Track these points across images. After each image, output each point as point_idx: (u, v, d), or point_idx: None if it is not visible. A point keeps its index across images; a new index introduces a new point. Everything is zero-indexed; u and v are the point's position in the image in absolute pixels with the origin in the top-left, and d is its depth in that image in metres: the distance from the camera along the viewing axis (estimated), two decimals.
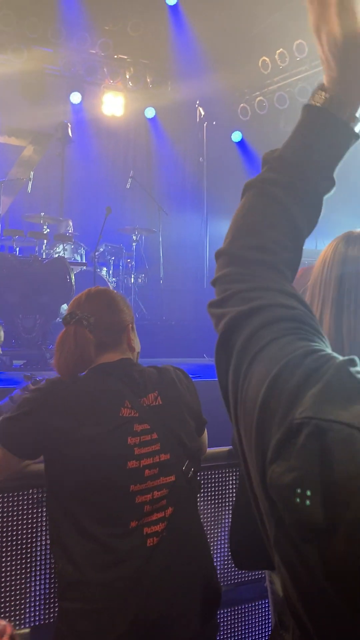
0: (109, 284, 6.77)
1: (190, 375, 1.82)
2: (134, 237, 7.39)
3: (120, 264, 7.35)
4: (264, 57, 7.95)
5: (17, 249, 6.03)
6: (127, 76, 8.62)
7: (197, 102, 7.27)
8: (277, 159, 0.78)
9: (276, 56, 7.80)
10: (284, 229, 0.76)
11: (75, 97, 8.50)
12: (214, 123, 8.09)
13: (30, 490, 1.80)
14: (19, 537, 1.77)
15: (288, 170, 0.77)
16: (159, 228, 7.66)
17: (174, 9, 7.95)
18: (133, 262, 7.38)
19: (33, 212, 6.79)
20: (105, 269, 7.05)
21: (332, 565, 0.56)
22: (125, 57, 8.51)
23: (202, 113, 7.24)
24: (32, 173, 6.79)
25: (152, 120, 9.01)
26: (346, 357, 0.62)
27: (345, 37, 0.71)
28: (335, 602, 0.56)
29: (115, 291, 1.88)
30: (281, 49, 7.70)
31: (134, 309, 6.78)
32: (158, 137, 9.03)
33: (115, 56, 8.41)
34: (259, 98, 8.30)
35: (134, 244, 7.38)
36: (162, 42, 8.11)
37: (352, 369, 0.61)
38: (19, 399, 1.67)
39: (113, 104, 8.65)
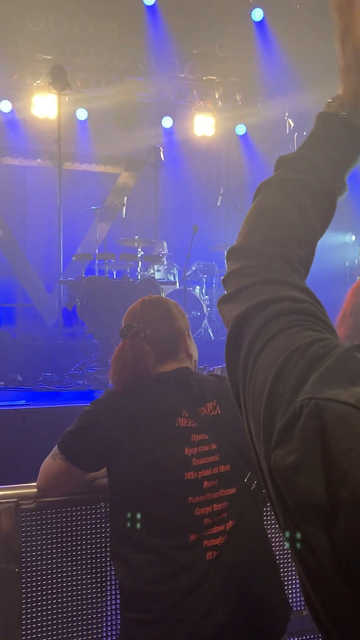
0: (201, 302, 6.82)
1: None
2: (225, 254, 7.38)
3: (213, 281, 7.38)
4: None
5: (114, 272, 6.26)
6: (217, 96, 8.74)
7: (286, 114, 7.21)
8: (293, 160, 0.81)
9: None
10: (300, 226, 0.78)
11: (167, 122, 8.73)
12: (305, 133, 7.95)
13: (99, 505, 1.83)
14: (86, 550, 1.81)
15: (304, 171, 0.79)
16: None
17: (261, 25, 7.96)
18: None
19: (128, 236, 7.03)
20: (198, 287, 7.11)
21: (338, 550, 0.54)
22: (214, 77, 8.63)
23: (292, 124, 7.16)
24: (125, 198, 7.05)
25: (243, 136, 9.04)
26: (354, 344, 0.63)
27: None
28: (345, 593, 0.55)
29: (169, 299, 1.88)
30: None
31: None
32: (249, 152, 9.03)
33: (204, 78, 8.56)
34: None
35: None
36: (250, 59, 8.14)
37: (358, 353, 0.61)
38: None
39: (204, 125, 8.79)
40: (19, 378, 5.39)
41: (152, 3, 7.57)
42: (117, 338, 5.44)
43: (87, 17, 7.52)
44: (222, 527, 1.51)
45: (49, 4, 7.31)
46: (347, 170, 0.80)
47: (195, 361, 1.78)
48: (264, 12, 7.86)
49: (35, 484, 1.73)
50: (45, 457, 1.67)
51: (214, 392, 1.64)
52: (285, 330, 0.67)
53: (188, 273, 6.49)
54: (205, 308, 6.79)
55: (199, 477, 1.52)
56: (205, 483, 1.52)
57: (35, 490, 1.72)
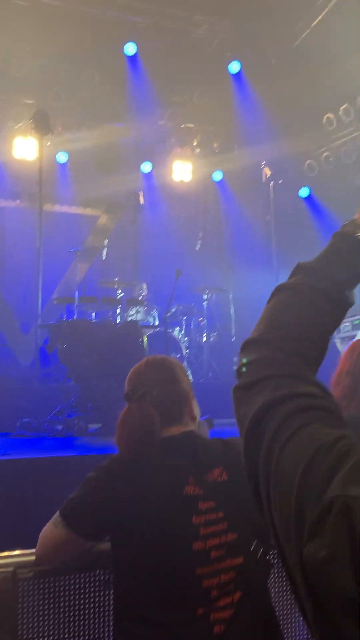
0: (181, 343, 6.84)
1: None
2: (205, 296, 7.47)
3: (192, 323, 7.42)
4: (329, 114, 8.04)
5: (93, 314, 6.25)
6: (195, 143, 8.95)
7: (263, 163, 7.42)
8: (312, 269, 0.90)
9: (340, 112, 7.87)
10: (315, 328, 0.86)
11: (146, 167, 8.89)
12: (280, 182, 8.19)
13: (97, 571, 1.78)
14: (86, 620, 1.75)
15: (322, 280, 0.88)
16: (229, 286, 7.72)
17: (237, 76, 8.25)
18: (205, 321, 7.44)
19: (108, 277, 7.04)
20: (177, 328, 7.14)
21: None
22: (192, 125, 8.86)
23: (268, 173, 7.36)
24: (106, 241, 7.09)
25: (220, 183, 9.24)
26: None
27: None
28: None
29: (172, 358, 1.87)
30: (346, 104, 7.77)
31: (206, 367, 6.76)
32: (226, 198, 9.23)
33: (183, 125, 8.78)
34: (325, 153, 8.35)
35: (205, 303, 7.46)
36: (227, 108, 8.40)
37: None
38: None
39: (182, 171, 8.97)
40: None
41: (133, 53, 7.78)
42: (98, 383, 5.36)
43: (70, 64, 7.69)
44: (229, 599, 1.47)
45: (33, 51, 7.46)
46: (356, 283, 0.91)
47: (198, 421, 1.76)
48: (240, 65, 8.15)
49: (32, 550, 1.68)
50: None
51: (220, 457, 1.61)
52: (307, 426, 0.71)
53: (168, 315, 6.52)
54: (184, 350, 6.81)
55: (207, 546, 1.48)
56: (213, 553, 1.48)
57: (34, 558, 1.68)
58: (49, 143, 7.77)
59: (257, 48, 8.13)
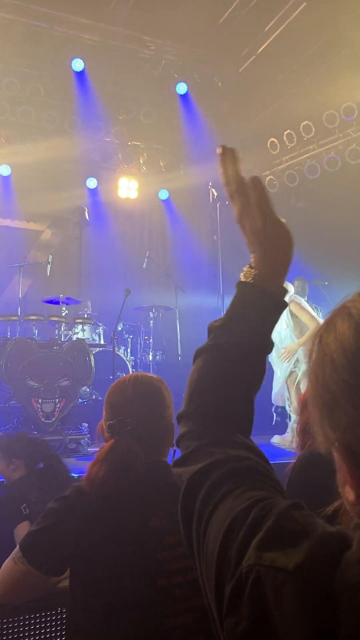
0: (127, 362, 6.75)
1: None
2: (151, 315, 7.44)
3: (139, 341, 7.36)
4: (272, 139, 8.25)
5: (36, 331, 6.08)
6: (141, 161, 8.97)
7: (210, 184, 7.50)
8: (221, 328, 0.89)
9: (284, 137, 8.10)
10: (235, 386, 0.85)
11: (92, 182, 8.82)
12: (227, 203, 8.29)
13: (59, 610, 1.69)
14: None
15: (232, 335, 0.87)
16: (175, 305, 7.73)
17: (184, 97, 8.34)
18: (151, 340, 7.39)
19: (52, 294, 6.89)
20: (123, 347, 7.06)
21: None
22: (139, 143, 8.88)
23: (215, 194, 7.44)
24: (50, 256, 6.94)
25: (166, 201, 9.29)
26: (291, 502, 0.66)
27: (264, 228, 0.88)
28: None
29: (157, 378, 1.71)
30: (289, 130, 8.01)
31: None
32: (172, 217, 9.28)
33: (129, 143, 8.78)
34: (269, 177, 8.55)
35: (151, 321, 7.43)
36: (174, 128, 8.47)
37: (295, 512, 0.64)
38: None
39: (128, 188, 8.96)
40: None
41: (81, 69, 7.74)
42: (42, 403, 5.15)
43: (14, 78, 7.56)
44: None
45: None
46: (270, 329, 0.90)
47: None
48: (187, 86, 8.26)
49: None
50: None
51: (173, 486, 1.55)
52: (230, 493, 0.71)
53: (114, 333, 6.43)
54: (130, 369, 6.73)
55: (171, 584, 1.40)
56: (178, 592, 1.40)
57: None
58: None
59: (203, 71, 8.28)
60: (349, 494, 0.61)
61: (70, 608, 1.50)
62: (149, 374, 1.74)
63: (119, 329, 6.99)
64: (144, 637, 1.37)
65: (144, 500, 1.47)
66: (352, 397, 0.58)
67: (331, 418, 0.60)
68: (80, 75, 7.78)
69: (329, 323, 0.63)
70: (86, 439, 5.20)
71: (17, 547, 1.50)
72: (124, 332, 7.14)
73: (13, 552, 1.51)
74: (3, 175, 8.26)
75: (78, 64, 7.69)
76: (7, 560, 1.51)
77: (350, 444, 0.59)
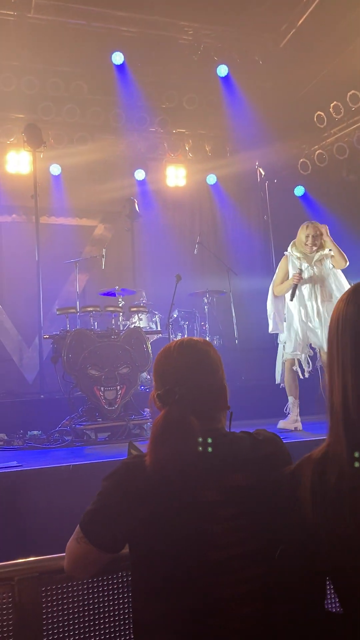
0: None
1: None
2: (206, 300, 7.47)
3: (195, 327, 7.41)
4: (319, 112, 8.07)
5: (95, 323, 6.24)
6: (187, 148, 8.98)
7: (257, 164, 7.43)
8: None
9: (330, 109, 7.90)
10: None
11: (140, 174, 8.91)
12: (275, 181, 8.19)
13: (120, 574, 1.76)
14: (110, 624, 1.73)
15: None
16: (229, 289, 7.72)
17: (226, 79, 8.28)
18: (207, 325, 7.43)
19: (108, 286, 7.04)
20: (180, 334, 7.14)
21: None
22: (184, 130, 8.88)
23: (262, 173, 7.38)
24: (104, 250, 7.09)
25: (214, 186, 9.26)
26: None
27: None
28: None
29: (203, 341, 1.64)
30: (335, 102, 7.80)
31: None
32: (221, 201, 9.25)
33: (174, 131, 8.80)
34: (318, 151, 8.38)
35: (206, 307, 7.46)
36: (217, 111, 8.43)
37: None
38: None
39: (175, 176, 9.00)
40: (5, 437, 5.26)
41: (121, 62, 7.82)
42: (105, 391, 5.29)
43: (57, 78, 7.72)
44: (249, 611, 1.38)
45: (20, 67, 7.49)
46: None
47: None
48: (228, 68, 8.18)
49: (55, 556, 1.67)
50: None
51: (246, 459, 1.47)
52: None
53: (170, 320, 6.52)
54: None
55: (226, 557, 1.38)
56: (232, 563, 1.39)
57: (56, 563, 1.66)
58: (42, 156, 7.79)
59: (243, 51, 8.17)
60: None
61: (132, 577, 1.54)
62: (195, 338, 1.67)
63: (175, 315, 7.07)
64: (201, 611, 1.38)
65: (195, 472, 1.43)
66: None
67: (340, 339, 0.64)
68: (121, 68, 7.86)
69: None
70: (148, 423, 5.30)
71: (78, 526, 1.52)
72: (180, 319, 7.21)
73: (75, 531, 1.53)
74: (54, 174, 8.46)
75: (118, 57, 7.77)
76: (70, 540, 1.55)
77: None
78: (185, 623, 1.38)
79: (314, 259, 5.06)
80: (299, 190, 8.73)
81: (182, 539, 1.39)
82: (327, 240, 5.06)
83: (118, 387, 5.26)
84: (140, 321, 6.61)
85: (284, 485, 1.36)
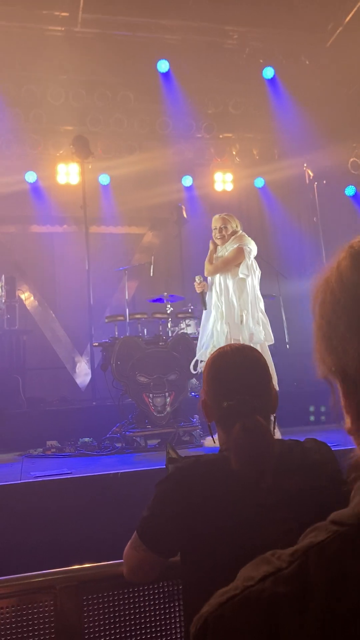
0: None
1: (331, 445, 1.58)
2: None
3: None
4: None
5: (145, 330, 6.27)
6: (234, 152, 8.94)
7: (305, 165, 7.32)
8: None
9: None
10: None
11: (187, 180, 8.93)
12: (324, 182, 8.04)
13: (162, 583, 1.75)
14: (152, 634, 1.71)
15: None
16: (279, 292, 7.61)
17: (272, 81, 8.20)
18: None
19: (157, 293, 7.07)
20: None
21: None
22: (230, 135, 8.85)
23: (311, 174, 7.26)
24: (152, 257, 7.13)
25: (262, 189, 9.18)
26: None
27: None
28: None
29: (250, 347, 1.66)
30: None
31: None
32: (270, 204, 9.15)
33: (221, 136, 8.78)
34: None
35: None
36: (264, 114, 8.35)
37: None
38: None
39: (223, 181, 8.98)
40: (57, 444, 5.35)
41: (167, 70, 7.87)
42: (154, 398, 5.26)
43: (104, 89, 7.85)
44: None
45: (68, 80, 7.66)
46: None
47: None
48: (274, 70, 8.11)
49: (97, 564, 1.67)
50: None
51: (298, 464, 1.47)
52: None
53: None
54: None
55: None
56: None
57: (99, 571, 1.66)
58: (90, 166, 7.93)
59: (289, 52, 8.08)
60: (346, 421, 0.59)
61: (184, 584, 1.52)
62: (243, 344, 1.68)
63: None
64: None
65: (249, 475, 1.42)
66: (348, 319, 0.57)
67: (329, 343, 0.59)
68: (166, 75, 7.91)
69: (333, 261, 0.62)
70: (198, 430, 5.27)
71: (135, 533, 1.53)
72: None
73: (132, 538, 1.54)
74: (103, 184, 8.60)
75: (163, 65, 7.83)
76: (127, 547, 1.55)
77: (345, 366, 0.58)
78: None
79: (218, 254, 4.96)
80: (350, 190, 8.54)
81: (236, 542, 1.38)
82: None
83: (167, 394, 5.26)
84: (188, 327, 6.59)
85: (334, 493, 1.34)
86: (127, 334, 6.06)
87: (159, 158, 8.57)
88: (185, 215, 8.30)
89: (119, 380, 5.30)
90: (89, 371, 7.19)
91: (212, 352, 1.67)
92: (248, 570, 0.59)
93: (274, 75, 8.13)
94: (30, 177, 8.35)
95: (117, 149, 8.34)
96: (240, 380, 1.51)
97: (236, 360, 1.55)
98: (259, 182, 9.15)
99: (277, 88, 8.24)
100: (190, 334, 6.34)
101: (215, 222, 5.02)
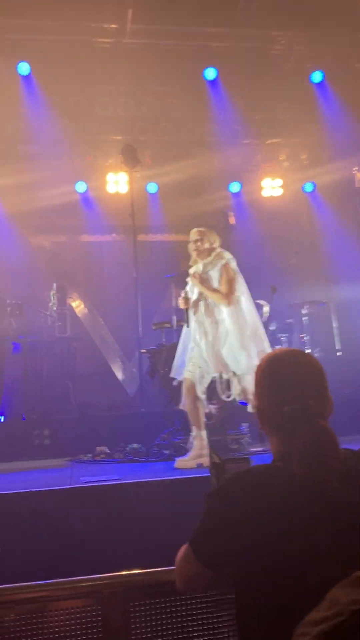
0: None
1: None
2: (304, 311, 7.27)
3: (294, 339, 7.23)
4: None
5: None
6: (282, 158, 8.86)
7: (355, 169, 7.19)
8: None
9: None
10: None
11: (234, 187, 8.90)
12: None
13: (209, 593, 1.72)
14: None
15: None
16: (329, 299, 7.48)
17: (321, 85, 8.09)
18: (307, 337, 7.22)
19: None
20: (278, 347, 6.98)
21: None
22: (278, 140, 8.78)
23: None
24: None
25: (312, 194, 9.06)
26: None
27: None
28: None
29: (303, 352, 1.63)
30: None
31: None
32: (319, 209, 9.01)
33: (268, 141, 8.72)
34: None
35: (305, 318, 7.25)
36: (313, 119, 8.25)
37: None
38: None
39: (271, 187, 8.90)
40: (107, 450, 5.39)
41: (214, 77, 7.88)
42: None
43: (152, 97, 7.94)
44: None
45: (116, 90, 7.78)
46: None
47: None
48: (322, 74, 8.00)
49: (144, 571, 1.66)
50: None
51: (355, 476, 1.40)
52: None
53: (268, 333, 6.40)
54: None
55: (338, 575, 1.32)
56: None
57: (145, 578, 1.65)
58: (138, 175, 8.01)
59: (337, 55, 7.96)
60: None
61: (237, 594, 1.47)
62: (293, 349, 1.65)
63: (272, 328, 6.93)
64: None
65: (305, 488, 1.36)
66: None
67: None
68: (213, 83, 7.92)
69: None
70: (246, 438, 5.21)
71: (187, 545, 1.50)
72: (277, 332, 7.05)
73: (184, 550, 1.51)
74: (151, 192, 8.68)
75: (210, 73, 7.84)
76: (180, 559, 1.52)
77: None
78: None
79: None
80: None
81: (294, 557, 1.33)
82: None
83: (215, 402, 5.22)
84: None
85: None
86: (174, 341, 6.07)
87: (206, 165, 8.57)
88: (232, 222, 8.26)
89: (166, 388, 5.30)
90: (138, 377, 7.23)
91: (264, 356, 1.62)
92: (347, 592, 0.56)
93: (323, 79, 8.02)
94: (81, 187, 8.51)
95: (165, 157, 8.41)
96: (301, 384, 1.46)
97: (292, 363, 1.50)
98: (309, 187, 9.04)
99: (325, 92, 8.12)
100: None
101: (192, 234, 4.86)
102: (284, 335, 7.17)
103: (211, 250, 4.79)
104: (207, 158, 8.58)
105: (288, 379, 1.48)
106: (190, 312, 4.69)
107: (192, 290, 4.73)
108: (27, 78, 7.45)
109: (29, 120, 7.73)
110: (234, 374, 4.47)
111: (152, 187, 8.64)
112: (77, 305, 8.60)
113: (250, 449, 5.11)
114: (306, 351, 7.03)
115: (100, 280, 8.67)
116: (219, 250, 4.82)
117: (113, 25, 7.26)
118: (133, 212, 7.43)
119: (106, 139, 8.25)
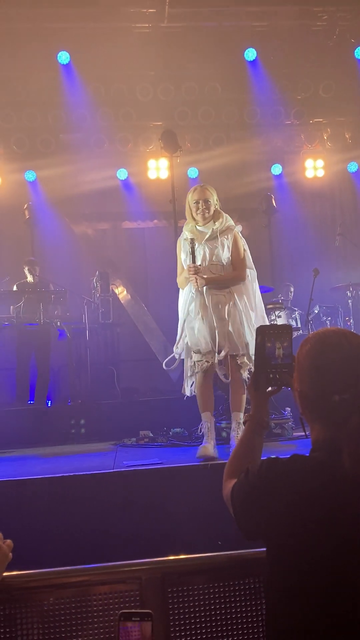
0: None
1: None
2: (349, 294, 7.14)
3: (338, 323, 7.13)
4: None
5: None
6: (325, 137, 8.66)
7: None
8: None
9: None
10: None
11: (277, 169, 8.78)
12: None
13: (248, 580, 1.74)
14: (237, 630, 1.72)
15: None
16: None
17: None
18: (352, 320, 7.10)
19: None
20: None
21: None
22: (321, 119, 8.59)
23: None
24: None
25: (356, 174, 8.84)
26: None
27: None
28: None
29: (354, 333, 1.46)
30: None
31: None
32: None
33: (311, 121, 8.54)
34: None
35: (350, 301, 7.13)
36: (357, 96, 8.02)
37: None
38: None
39: (314, 167, 8.74)
40: (150, 434, 5.47)
41: (254, 58, 7.75)
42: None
43: (191, 82, 7.86)
44: None
45: (156, 76, 7.74)
46: None
47: None
48: None
49: (182, 557, 1.70)
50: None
51: None
52: None
53: (311, 317, 6.33)
54: None
55: None
56: None
57: (183, 563, 1.68)
58: (179, 160, 7.98)
59: None
60: None
61: (267, 579, 1.50)
62: (343, 328, 1.50)
63: (316, 311, 6.85)
64: (341, 617, 1.32)
65: (342, 479, 1.34)
66: None
67: None
68: (254, 63, 7.79)
69: None
70: (290, 423, 5.20)
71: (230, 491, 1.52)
72: (322, 315, 6.97)
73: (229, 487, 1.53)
74: (191, 177, 8.64)
75: (250, 54, 7.71)
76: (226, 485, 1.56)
77: None
78: (324, 630, 1.33)
79: (206, 237, 4.04)
80: None
81: (327, 548, 1.34)
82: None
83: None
84: (278, 318, 6.50)
85: None
86: None
87: (247, 148, 8.48)
88: (274, 205, 8.17)
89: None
90: (180, 363, 7.27)
91: (308, 336, 1.53)
92: None
93: None
94: (122, 174, 8.55)
95: (205, 142, 8.35)
96: (352, 370, 1.34)
97: (342, 345, 1.37)
98: (353, 167, 8.82)
99: None
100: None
101: (195, 194, 4.08)
102: (328, 318, 7.08)
103: (218, 213, 4.13)
104: (247, 141, 8.48)
105: (338, 363, 1.35)
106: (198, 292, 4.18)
107: (199, 251, 4.08)
108: (67, 67, 7.51)
109: (70, 109, 7.80)
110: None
111: (192, 172, 8.60)
112: (120, 291, 8.70)
113: (293, 434, 5.09)
114: None
115: (142, 267, 8.73)
116: (224, 215, 4.17)
117: (151, 10, 7.22)
118: (174, 197, 7.41)
119: (146, 125, 8.25)
